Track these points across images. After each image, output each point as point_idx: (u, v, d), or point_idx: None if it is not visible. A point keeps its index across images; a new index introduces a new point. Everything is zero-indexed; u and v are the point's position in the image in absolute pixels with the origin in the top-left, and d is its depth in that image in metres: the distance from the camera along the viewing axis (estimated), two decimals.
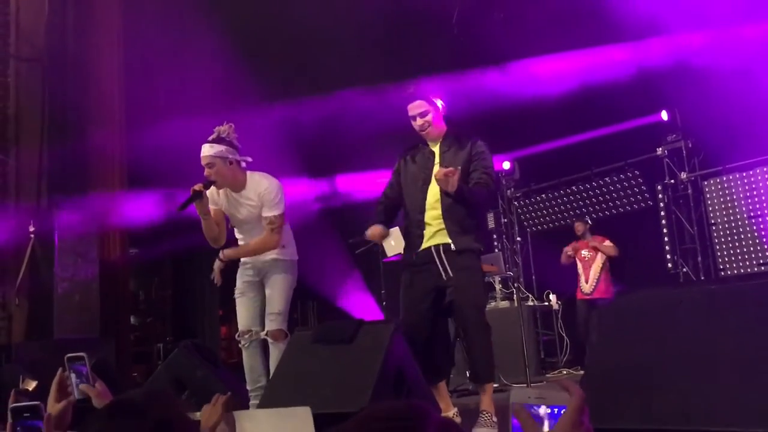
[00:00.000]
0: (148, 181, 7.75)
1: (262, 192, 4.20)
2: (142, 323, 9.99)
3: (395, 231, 6.95)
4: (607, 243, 7.71)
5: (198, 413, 2.29)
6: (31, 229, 6.80)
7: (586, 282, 7.68)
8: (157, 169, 7.57)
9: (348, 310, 9.48)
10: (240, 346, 4.21)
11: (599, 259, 7.69)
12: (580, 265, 7.80)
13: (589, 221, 8.12)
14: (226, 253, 4.25)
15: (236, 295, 4.28)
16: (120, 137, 7.59)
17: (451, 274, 3.74)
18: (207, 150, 4.10)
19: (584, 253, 7.79)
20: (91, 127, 7.35)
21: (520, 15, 8.06)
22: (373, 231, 4.09)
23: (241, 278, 4.27)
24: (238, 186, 4.21)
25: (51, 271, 6.87)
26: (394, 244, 6.98)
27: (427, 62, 8.39)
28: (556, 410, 1.16)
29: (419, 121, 3.97)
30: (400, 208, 4.15)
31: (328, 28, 7.81)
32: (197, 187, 4.04)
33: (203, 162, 4.12)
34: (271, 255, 4.23)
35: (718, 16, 7.22)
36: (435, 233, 3.87)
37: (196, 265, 9.60)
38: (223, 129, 4.19)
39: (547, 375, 7.05)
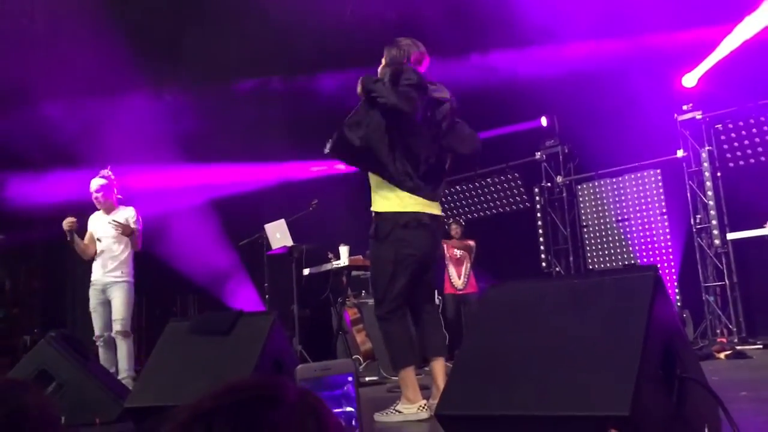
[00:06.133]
0: (18, 163, 7.32)
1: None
2: (7, 314, 9.42)
3: (281, 223, 6.93)
4: (472, 242, 8.38)
5: None
6: None
7: (459, 278, 8.22)
8: (30, 152, 7.17)
9: (230, 303, 9.33)
10: (98, 345, 5.60)
11: (469, 258, 8.28)
12: (451, 264, 8.26)
13: (462, 222, 8.70)
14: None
15: (91, 309, 5.68)
16: None
17: None
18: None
19: (456, 252, 8.26)
20: None
21: (412, 16, 8.18)
22: None
23: (94, 297, 5.67)
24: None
25: None
26: (279, 237, 6.96)
27: (318, 56, 8.39)
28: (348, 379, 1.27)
29: None
30: None
31: (216, 19, 7.64)
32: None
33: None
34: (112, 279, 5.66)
35: (598, 30, 7.62)
36: None
37: (68, 253, 9.13)
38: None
39: (425, 368, 7.20)
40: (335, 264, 6.68)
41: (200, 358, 3.46)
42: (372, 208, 3.70)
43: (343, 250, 6.64)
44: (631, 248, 8.58)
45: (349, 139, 3.54)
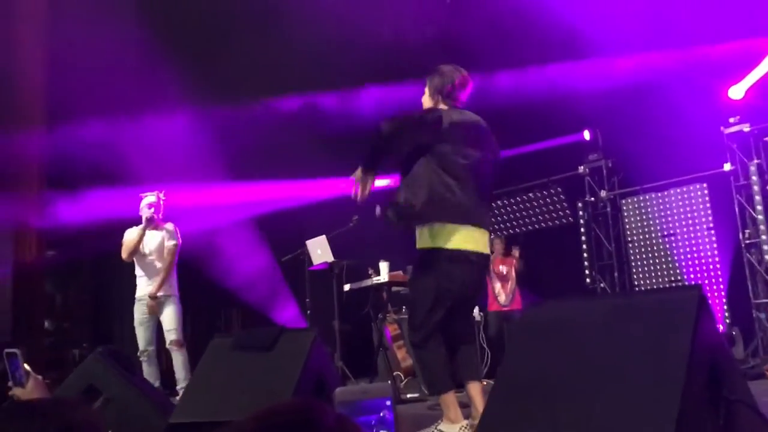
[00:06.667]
0: (70, 182, 7.54)
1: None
2: (58, 328, 9.64)
3: (322, 240, 6.98)
4: (516, 254, 8.30)
5: None
6: None
7: (504, 294, 8.11)
8: (79, 170, 7.37)
9: (274, 317, 9.41)
10: (141, 360, 5.80)
11: (514, 274, 8.19)
12: (496, 279, 8.15)
13: (503, 238, 8.61)
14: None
15: (135, 324, 5.92)
16: (40, 136, 7.36)
17: None
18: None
19: (502, 268, 8.16)
20: (9, 126, 7.10)
21: (452, 33, 8.19)
22: None
23: (139, 312, 5.89)
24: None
25: None
26: (321, 252, 7.01)
27: (361, 73, 8.45)
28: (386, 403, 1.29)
29: None
30: None
31: (258, 37, 7.76)
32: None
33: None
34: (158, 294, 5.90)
35: (642, 42, 7.53)
36: None
37: (117, 269, 9.33)
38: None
39: (461, 392, 7.14)
40: (375, 280, 6.70)
41: (243, 373, 3.50)
42: (419, 246, 3.64)
43: (383, 266, 6.66)
44: (677, 264, 8.41)
45: (402, 202, 3.55)
